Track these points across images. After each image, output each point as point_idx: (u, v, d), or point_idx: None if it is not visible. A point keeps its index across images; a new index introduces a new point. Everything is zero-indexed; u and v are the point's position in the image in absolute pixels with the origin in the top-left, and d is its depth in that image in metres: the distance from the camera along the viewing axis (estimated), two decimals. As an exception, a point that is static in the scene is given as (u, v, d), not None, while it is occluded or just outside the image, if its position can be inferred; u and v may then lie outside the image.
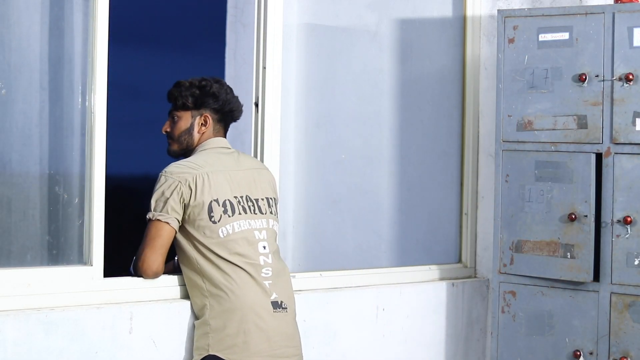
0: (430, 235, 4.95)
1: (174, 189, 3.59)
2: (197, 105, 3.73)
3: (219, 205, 3.63)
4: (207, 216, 3.60)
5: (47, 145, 3.56)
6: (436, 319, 4.67)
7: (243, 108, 3.85)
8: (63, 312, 3.36)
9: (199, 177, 3.62)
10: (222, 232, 3.61)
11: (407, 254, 4.84)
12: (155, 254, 3.58)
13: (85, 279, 3.50)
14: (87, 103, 3.57)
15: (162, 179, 3.63)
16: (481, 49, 5.00)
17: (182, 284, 3.71)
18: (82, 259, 3.55)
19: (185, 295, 3.71)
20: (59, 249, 3.53)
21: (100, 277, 3.54)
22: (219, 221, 3.61)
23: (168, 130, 3.79)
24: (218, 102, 3.73)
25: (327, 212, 4.44)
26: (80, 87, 3.58)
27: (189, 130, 3.75)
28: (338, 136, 4.56)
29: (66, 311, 3.37)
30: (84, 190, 3.56)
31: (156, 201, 3.61)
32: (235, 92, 3.82)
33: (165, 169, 3.65)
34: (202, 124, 3.74)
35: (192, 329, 3.65)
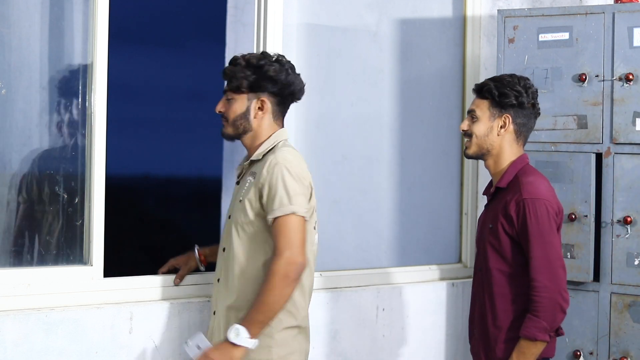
0: (430, 235, 4.95)
1: (307, 183, 3.27)
2: (254, 89, 3.33)
3: (315, 213, 3.39)
4: (313, 221, 3.34)
5: (47, 145, 3.56)
6: (436, 319, 4.67)
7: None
8: (63, 312, 3.36)
9: (311, 179, 3.34)
10: (313, 241, 3.37)
11: (407, 254, 4.83)
12: (304, 251, 3.20)
13: (85, 279, 3.50)
14: (87, 103, 3.57)
15: (292, 169, 3.21)
16: (481, 49, 5.00)
17: (182, 285, 3.71)
18: (82, 259, 3.55)
19: (186, 295, 3.70)
20: (59, 249, 3.53)
21: (100, 277, 3.54)
22: (314, 229, 3.38)
23: (222, 110, 3.39)
24: (276, 85, 3.33)
25: (327, 212, 4.44)
26: (80, 87, 3.58)
27: (245, 114, 3.35)
28: (338, 136, 4.55)
29: (66, 311, 3.37)
30: (84, 190, 3.56)
31: (296, 194, 3.19)
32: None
33: (285, 159, 3.23)
34: (259, 108, 3.34)
35: (201, 326, 3.63)
